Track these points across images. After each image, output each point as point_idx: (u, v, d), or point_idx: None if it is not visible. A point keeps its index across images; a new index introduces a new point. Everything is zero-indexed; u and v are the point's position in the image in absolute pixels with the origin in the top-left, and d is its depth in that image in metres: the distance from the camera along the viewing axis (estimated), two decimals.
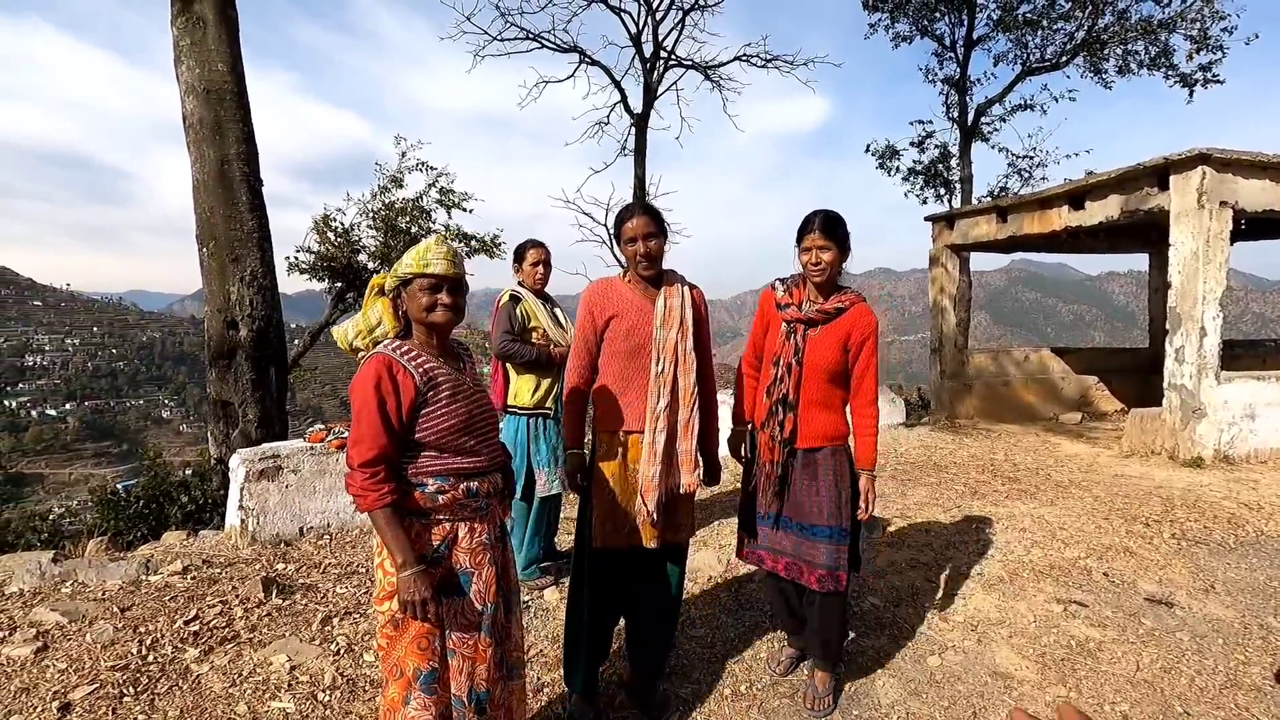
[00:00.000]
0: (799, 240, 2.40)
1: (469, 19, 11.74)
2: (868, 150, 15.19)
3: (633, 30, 12.67)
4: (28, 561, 3.57)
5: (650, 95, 12.85)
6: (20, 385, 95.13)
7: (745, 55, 12.89)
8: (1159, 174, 6.35)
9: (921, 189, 15.00)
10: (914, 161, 15.05)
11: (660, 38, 12.74)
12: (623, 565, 2.30)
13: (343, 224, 8.60)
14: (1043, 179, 14.52)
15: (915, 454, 6.54)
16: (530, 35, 12.26)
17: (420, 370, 1.67)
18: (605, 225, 12.63)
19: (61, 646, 2.80)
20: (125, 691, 2.48)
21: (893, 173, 15.11)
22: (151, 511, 5.08)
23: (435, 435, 1.68)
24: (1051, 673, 2.72)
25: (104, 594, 3.31)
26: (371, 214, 8.71)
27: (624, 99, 13.02)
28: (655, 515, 2.19)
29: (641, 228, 2.21)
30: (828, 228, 2.33)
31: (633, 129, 12.93)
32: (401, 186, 8.85)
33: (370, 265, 8.50)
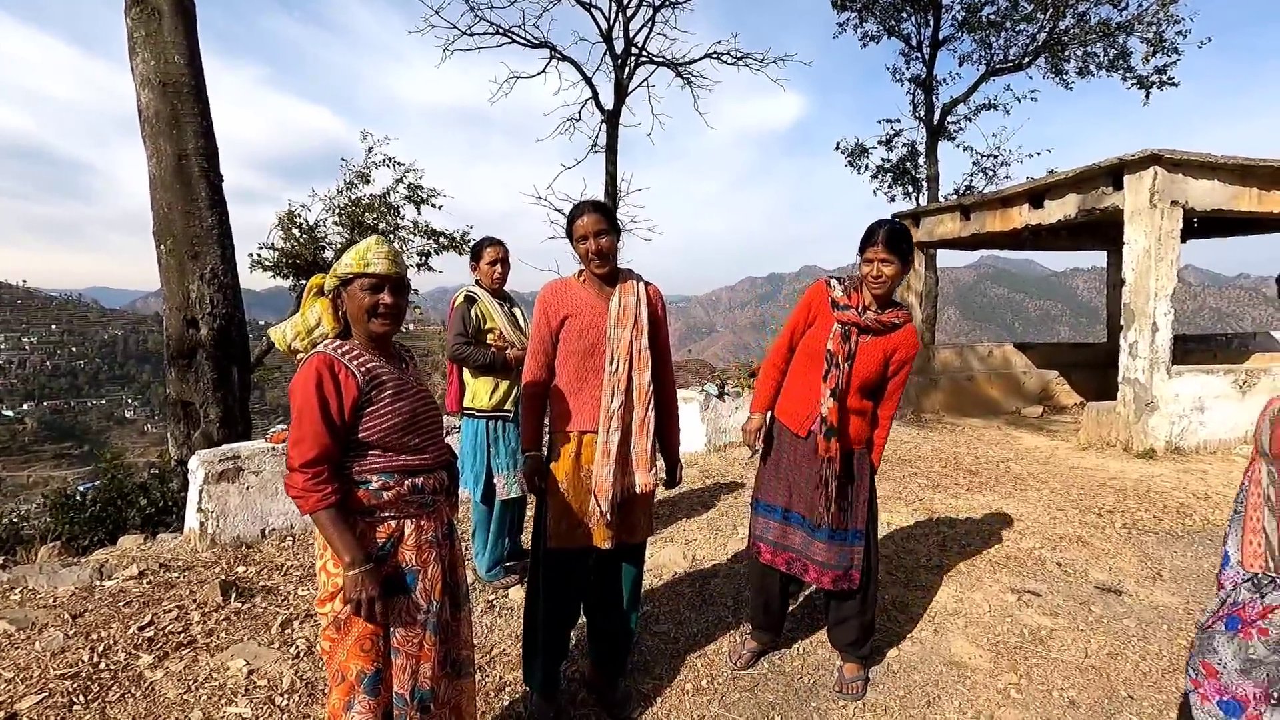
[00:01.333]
0: (861, 250, 2.41)
1: (437, 13, 11.62)
2: (837, 148, 15.38)
3: (603, 26, 12.64)
4: None
5: (621, 92, 12.84)
6: None
7: (716, 53, 12.95)
8: (1114, 174, 6.52)
9: (890, 187, 15.23)
10: (882, 159, 15.29)
11: (631, 34, 12.74)
12: (578, 565, 2.31)
13: (308, 220, 8.45)
14: (1006, 177, 14.85)
15: None
16: (500, 30, 12.17)
17: (363, 369, 1.66)
18: None
19: (9, 655, 2.73)
20: (75, 700, 2.42)
21: (862, 170, 15.32)
22: (109, 515, 4.96)
23: (379, 434, 1.67)
24: (1004, 661, 2.80)
25: (55, 601, 3.23)
26: (337, 210, 8.58)
27: (595, 95, 12.99)
28: (610, 515, 2.20)
29: (592, 225, 2.22)
30: (891, 241, 2.33)
31: (604, 125, 12.91)
32: (369, 182, 8.73)
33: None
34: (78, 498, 5.12)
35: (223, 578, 3.39)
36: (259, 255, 8.37)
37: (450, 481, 1.87)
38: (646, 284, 2.38)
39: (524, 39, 12.30)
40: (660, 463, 2.42)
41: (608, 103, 12.95)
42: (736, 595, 3.31)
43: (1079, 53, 13.49)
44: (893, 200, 15.26)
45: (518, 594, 3.32)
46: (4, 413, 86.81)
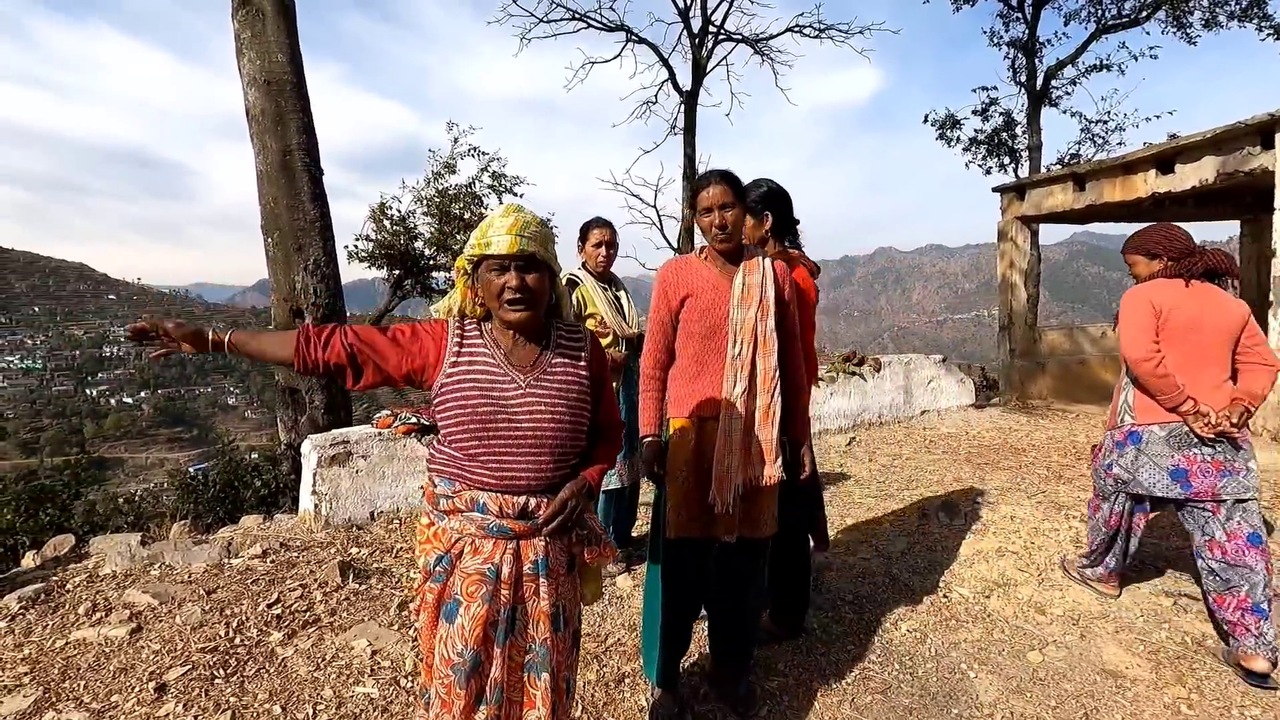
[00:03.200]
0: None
1: (515, 1, 11.67)
2: (926, 120, 14.59)
3: (680, 5, 12.39)
4: (119, 544, 3.71)
5: (699, 72, 12.58)
6: (100, 374, 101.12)
7: (798, 26, 12.47)
8: (1263, 132, 5.83)
9: (984, 159, 14.34)
10: (976, 130, 14.40)
11: (709, 11, 12.45)
12: (700, 556, 2.21)
13: (399, 211, 8.68)
14: (1119, 144, 13.70)
15: (989, 436, 6.25)
16: (576, 15, 12.13)
17: (457, 343, 1.51)
18: (655, 206, 12.48)
19: (154, 628, 2.88)
20: (216, 673, 2.52)
21: (953, 143, 14.47)
22: (228, 495, 5.24)
23: (444, 424, 1.51)
24: (1167, 672, 2.52)
25: (190, 576, 3.40)
26: (426, 201, 8.77)
27: (672, 77, 12.80)
28: (731, 508, 2.08)
29: (718, 197, 2.08)
30: (749, 207, 2.57)
31: (682, 107, 12.70)
32: (454, 172, 8.87)
33: (426, 252, 8.58)
34: (200, 479, 5.43)
35: (339, 558, 3.48)
36: (354, 246, 8.68)
37: (559, 510, 1.51)
38: (774, 261, 2.23)
39: (600, 23, 12.22)
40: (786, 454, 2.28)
41: (685, 84, 12.73)
42: (856, 590, 3.14)
43: (1205, 2, 12.23)
44: (988, 173, 14.41)
45: (625, 582, 3.26)
46: (125, 400, 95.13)
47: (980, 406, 7.67)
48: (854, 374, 6.44)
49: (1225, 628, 2.54)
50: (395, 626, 2.86)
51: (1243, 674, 2.45)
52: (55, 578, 3.42)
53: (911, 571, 3.32)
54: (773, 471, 2.14)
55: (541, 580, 1.50)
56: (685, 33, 12.48)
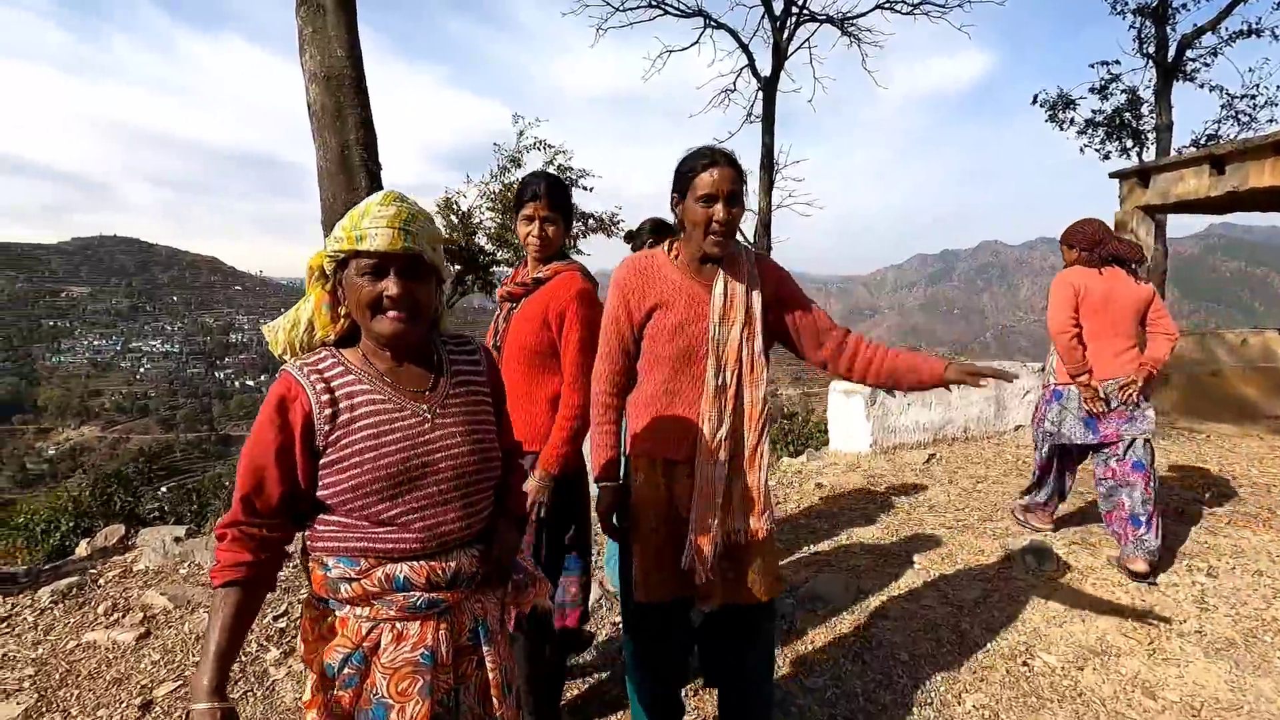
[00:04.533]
0: (517, 209, 2.11)
1: None
2: (1035, 101, 13.26)
3: None
4: (156, 539, 3.74)
5: (780, 56, 11.95)
6: (226, 359, 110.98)
7: (887, 2, 11.60)
8: None
9: (1103, 142, 12.88)
10: (1093, 111, 12.94)
11: None
12: (676, 618, 1.83)
13: (462, 206, 8.66)
14: (1270, 121, 11.91)
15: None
16: (652, 3, 11.78)
17: (324, 394, 1.14)
18: None
19: (161, 634, 2.82)
20: None
21: (1066, 125, 13.09)
22: None
23: (335, 494, 1.14)
24: None
25: None
26: (490, 196, 8.71)
27: (751, 63, 12.25)
28: (711, 572, 1.70)
29: (725, 182, 1.61)
30: (553, 193, 2.06)
31: (760, 94, 12.11)
32: (520, 166, 8.76)
33: (487, 247, 8.52)
34: None
35: None
36: None
37: (494, 563, 1.27)
38: (760, 261, 1.80)
39: (677, 9, 11.82)
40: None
41: (764, 69, 12.15)
42: (913, 647, 2.67)
43: None
44: (1105, 158, 12.92)
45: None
46: (248, 383, 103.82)
47: None
48: None
49: (1115, 539, 3.32)
50: None
51: (1128, 574, 3.14)
52: (94, 570, 3.47)
53: (985, 628, 2.81)
54: (760, 524, 1.73)
55: (485, 649, 1.26)
56: (766, 15, 11.89)
